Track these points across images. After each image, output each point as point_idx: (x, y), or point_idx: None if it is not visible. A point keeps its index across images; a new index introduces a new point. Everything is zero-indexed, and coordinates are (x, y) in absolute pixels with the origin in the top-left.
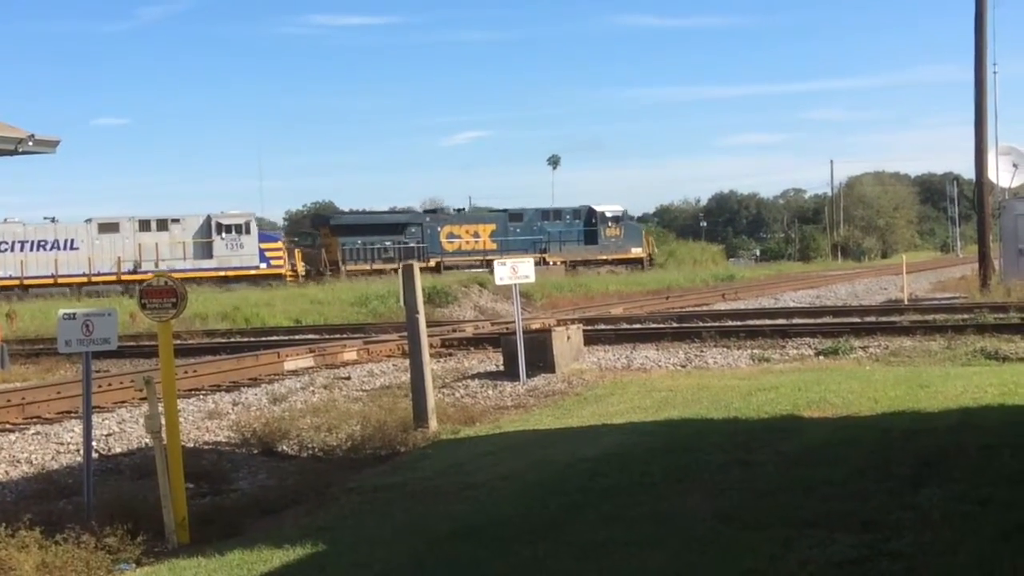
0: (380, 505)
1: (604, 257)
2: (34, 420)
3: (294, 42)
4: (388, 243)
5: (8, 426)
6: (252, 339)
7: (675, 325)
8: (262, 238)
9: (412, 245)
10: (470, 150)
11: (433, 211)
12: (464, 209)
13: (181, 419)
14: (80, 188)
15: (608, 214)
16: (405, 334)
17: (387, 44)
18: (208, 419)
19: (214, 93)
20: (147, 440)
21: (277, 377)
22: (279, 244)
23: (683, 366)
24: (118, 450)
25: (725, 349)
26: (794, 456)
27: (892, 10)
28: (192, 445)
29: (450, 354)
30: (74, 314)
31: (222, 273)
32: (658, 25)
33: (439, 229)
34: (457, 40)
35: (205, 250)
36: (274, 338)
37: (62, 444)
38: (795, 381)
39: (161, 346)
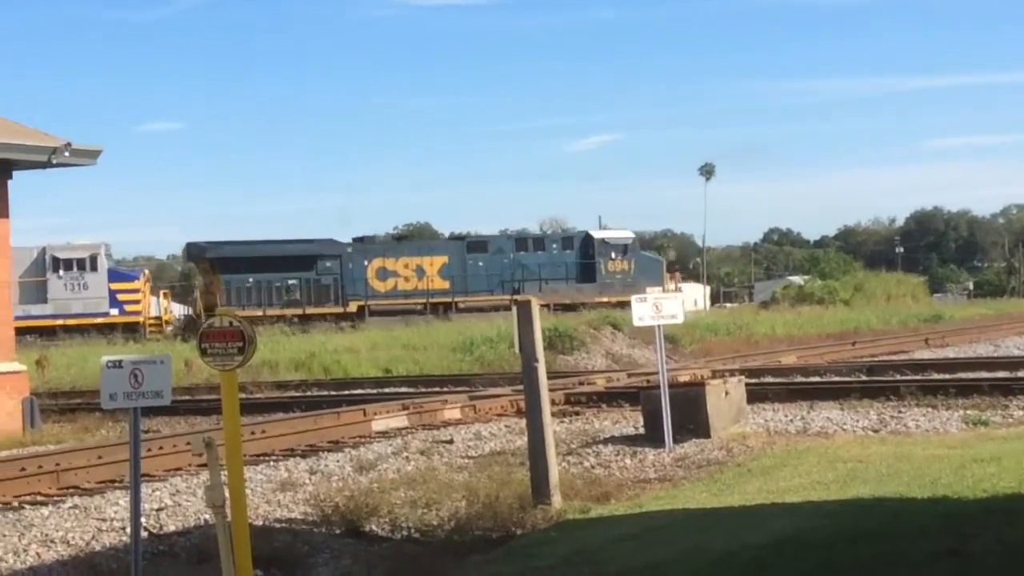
0: None
1: (604, 299)
2: (71, 491)
3: (380, 26)
4: (292, 282)
5: (40, 498)
6: (332, 393)
7: (864, 378)
8: (114, 276)
9: (327, 283)
10: (600, 158)
11: (360, 239)
12: (408, 237)
13: (248, 490)
14: (124, 206)
15: (611, 242)
16: (520, 387)
17: (494, 28)
18: (280, 491)
19: (285, 91)
20: (207, 516)
21: (363, 440)
22: (137, 284)
23: (875, 431)
24: (171, 528)
25: (930, 409)
26: (1021, 546)
27: None
28: (261, 523)
29: (576, 412)
30: (120, 361)
31: (59, 322)
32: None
33: (366, 263)
34: (583, 19)
35: (38, 293)
36: (359, 392)
37: (104, 520)
38: (1022, 451)
39: (224, 400)
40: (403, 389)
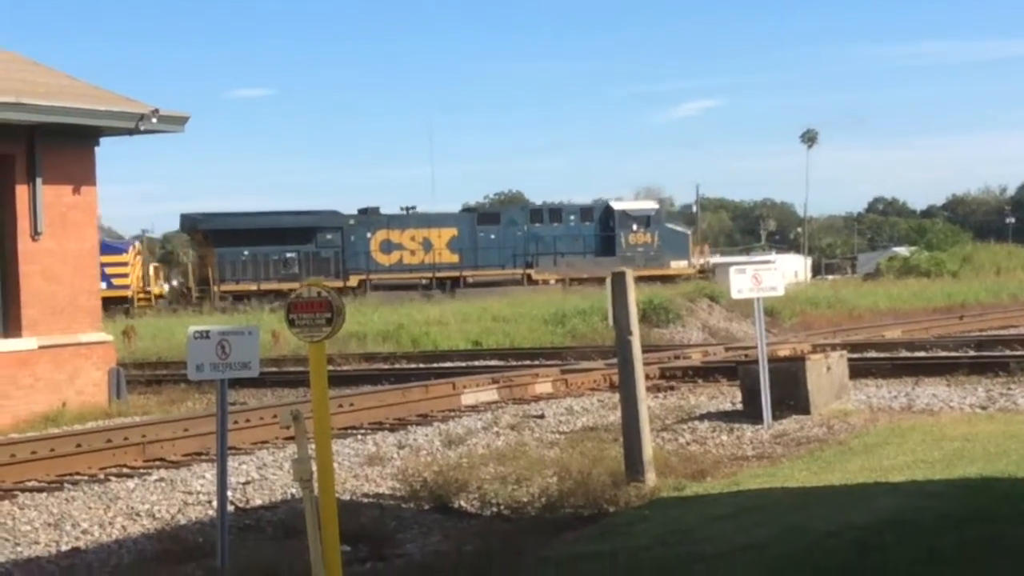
0: None
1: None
2: (157, 463)
3: None
4: (290, 254)
5: (126, 470)
6: (421, 365)
7: (973, 353)
8: (102, 249)
9: (326, 256)
10: (698, 125)
11: (364, 211)
12: (415, 208)
13: (336, 464)
14: (206, 173)
15: (633, 213)
16: (614, 361)
17: None
18: (368, 465)
19: (374, 54)
20: (294, 490)
21: (452, 414)
22: (126, 257)
23: (984, 408)
24: (258, 502)
25: None
26: None
27: None
28: (348, 497)
29: (671, 387)
30: (207, 332)
31: None
32: None
33: (369, 235)
34: None
35: None
36: (448, 364)
37: (190, 493)
38: None
39: (313, 372)
40: (493, 362)
